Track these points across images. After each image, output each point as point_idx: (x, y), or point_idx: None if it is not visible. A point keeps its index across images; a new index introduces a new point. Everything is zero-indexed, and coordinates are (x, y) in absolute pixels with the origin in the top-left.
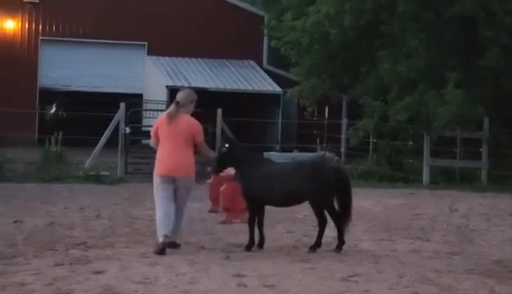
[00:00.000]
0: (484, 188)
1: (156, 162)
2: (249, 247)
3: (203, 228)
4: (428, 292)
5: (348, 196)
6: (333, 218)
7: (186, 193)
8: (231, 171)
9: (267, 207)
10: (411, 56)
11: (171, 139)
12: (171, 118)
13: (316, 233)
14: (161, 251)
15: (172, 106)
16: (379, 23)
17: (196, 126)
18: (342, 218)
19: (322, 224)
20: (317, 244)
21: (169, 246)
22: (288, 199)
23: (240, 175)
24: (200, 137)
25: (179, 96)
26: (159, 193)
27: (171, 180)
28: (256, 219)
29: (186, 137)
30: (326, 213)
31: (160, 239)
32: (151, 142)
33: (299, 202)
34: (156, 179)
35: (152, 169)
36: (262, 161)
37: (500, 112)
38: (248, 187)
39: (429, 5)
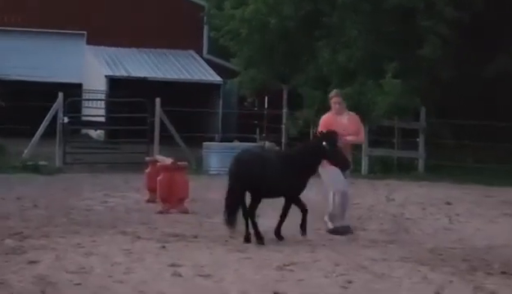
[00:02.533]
0: (421, 177)
1: None
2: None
3: (139, 217)
4: (362, 280)
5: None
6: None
7: None
8: (167, 160)
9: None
10: (350, 47)
11: None
12: None
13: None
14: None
15: None
16: (318, 13)
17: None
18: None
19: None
20: (255, 235)
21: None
22: None
23: None
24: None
25: None
26: None
27: None
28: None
29: None
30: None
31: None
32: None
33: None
34: None
35: (91, 159)
36: None
37: (436, 102)
38: None
39: None
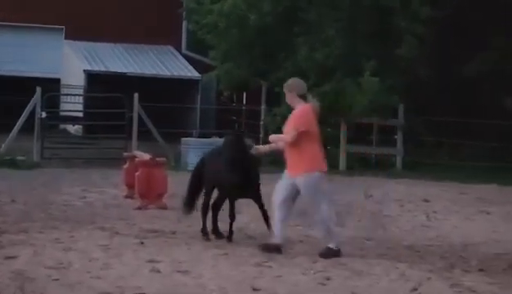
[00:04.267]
0: (399, 174)
1: (314, 158)
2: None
3: (118, 213)
4: (340, 277)
5: None
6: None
7: None
8: (145, 156)
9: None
10: (329, 45)
11: (316, 133)
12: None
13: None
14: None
15: (312, 97)
16: (297, 10)
17: None
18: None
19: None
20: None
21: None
22: None
23: None
24: None
25: (305, 86)
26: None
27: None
28: None
29: None
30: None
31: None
32: (292, 137)
33: None
34: (321, 176)
35: (69, 154)
36: None
37: (414, 99)
38: None
39: None
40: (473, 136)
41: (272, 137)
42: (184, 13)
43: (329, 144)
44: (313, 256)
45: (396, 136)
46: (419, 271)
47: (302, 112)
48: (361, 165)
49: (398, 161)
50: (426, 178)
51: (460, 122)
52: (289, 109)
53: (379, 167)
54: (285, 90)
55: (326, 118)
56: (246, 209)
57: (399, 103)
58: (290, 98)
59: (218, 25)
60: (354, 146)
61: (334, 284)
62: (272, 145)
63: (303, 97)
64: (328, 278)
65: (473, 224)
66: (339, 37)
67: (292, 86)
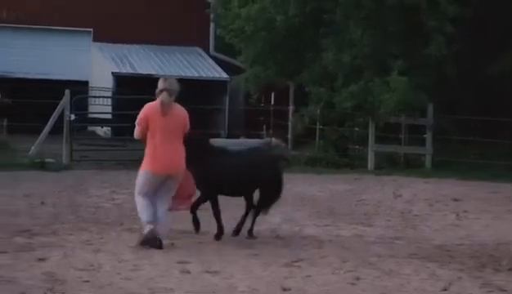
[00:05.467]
0: (428, 173)
1: (148, 156)
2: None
3: None
4: (369, 277)
5: None
6: None
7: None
8: None
9: None
10: (355, 44)
11: (160, 130)
12: (167, 107)
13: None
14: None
15: (166, 95)
16: (323, 11)
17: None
18: None
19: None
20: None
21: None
22: None
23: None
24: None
25: (169, 83)
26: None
27: (166, 177)
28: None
29: (183, 130)
30: None
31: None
32: (135, 133)
33: None
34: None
35: (98, 156)
36: None
37: (443, 98)
38: None
39: None
40: (501, 135)
41: None
42: (212, 16)
43: (357, 143)
44: (343, 256)
45: (425, 135)
46: (449, 271)
47: (143, 108)
48: (390, 164)
49: (428, 160)
50: (456, 177)
51: (489, 121)
52: (316, 109)
53: (408, 166)
54: None
55: (355, 118)
56: (278, 209)
57: (428, 102)
58: None
59: (246, 30)
60: (383, 145)
61: (364, 284)
62: None
63: (160, 94)
64: (358, 278)
65: (504, 224)
66: (366, 36)
67: None
